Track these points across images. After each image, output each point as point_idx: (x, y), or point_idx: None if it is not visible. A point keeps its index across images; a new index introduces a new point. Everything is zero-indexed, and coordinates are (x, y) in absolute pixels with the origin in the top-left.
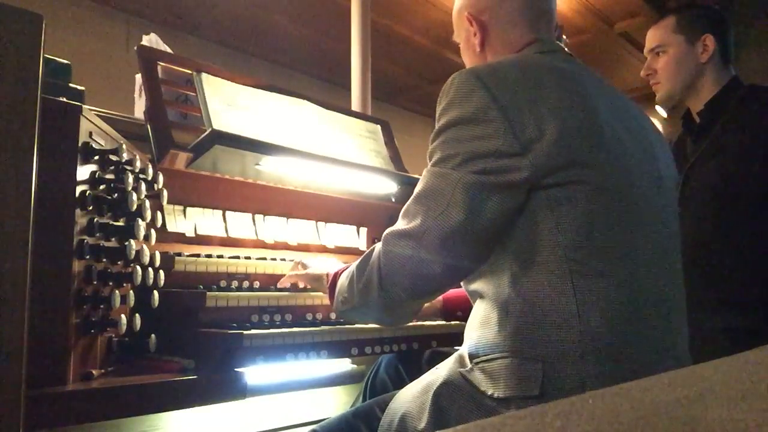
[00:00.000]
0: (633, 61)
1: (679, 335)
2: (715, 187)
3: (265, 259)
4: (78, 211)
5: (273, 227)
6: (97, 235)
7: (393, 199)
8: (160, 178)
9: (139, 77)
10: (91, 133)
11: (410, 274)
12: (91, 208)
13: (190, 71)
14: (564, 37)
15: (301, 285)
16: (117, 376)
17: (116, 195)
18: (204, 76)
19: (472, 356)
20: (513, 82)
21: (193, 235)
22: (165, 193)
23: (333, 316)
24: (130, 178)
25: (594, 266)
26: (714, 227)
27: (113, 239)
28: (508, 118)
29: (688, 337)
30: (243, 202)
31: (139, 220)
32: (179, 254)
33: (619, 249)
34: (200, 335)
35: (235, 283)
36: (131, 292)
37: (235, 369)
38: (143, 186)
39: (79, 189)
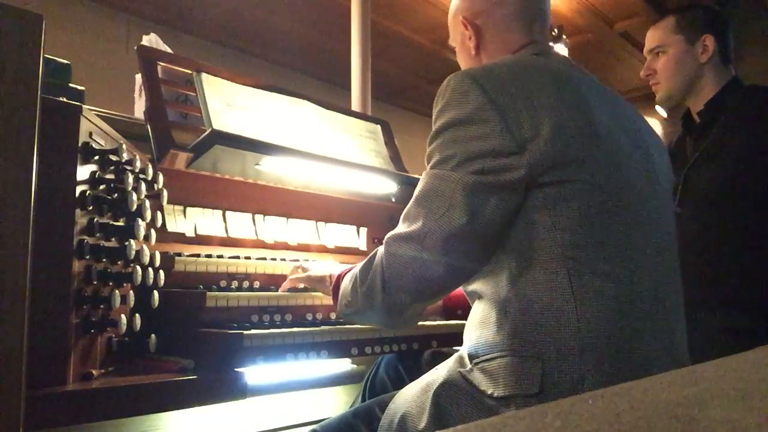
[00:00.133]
0: (633, 61)
1: (676, 333)
2: (715, 187)
3: (265, 259)
4: (78, 211)
5: (273, 227)
6: (97, 235)
7: (393, 199)
8: (160, 178)
9: (139, 77)
10: (91, 133)
11: (413, 276)
12: (91, 208)
13: (190, 71)
14: (564, 37)
15: (302, 287)
16: (117, 376)
17: (116, 195)
18: (204, 76)
19: (471, 357)
20: (508, 82)
21: (193, 235)
22: (165, 193)
23: (333, 316)
24: (130, 178)
25: (592, 264)
26: (714, 227)
27: (113, 239)
28: (504, 118)
29: (686, 336)
30: (243, 202)
31: (139, 220)
32: (179, 254)
33: (617, 247)
34: (200, 335)
35: (235, 283)
36: (131, 292)
37: (235, 369)
38: (143, 186)
39: (79, 189)
